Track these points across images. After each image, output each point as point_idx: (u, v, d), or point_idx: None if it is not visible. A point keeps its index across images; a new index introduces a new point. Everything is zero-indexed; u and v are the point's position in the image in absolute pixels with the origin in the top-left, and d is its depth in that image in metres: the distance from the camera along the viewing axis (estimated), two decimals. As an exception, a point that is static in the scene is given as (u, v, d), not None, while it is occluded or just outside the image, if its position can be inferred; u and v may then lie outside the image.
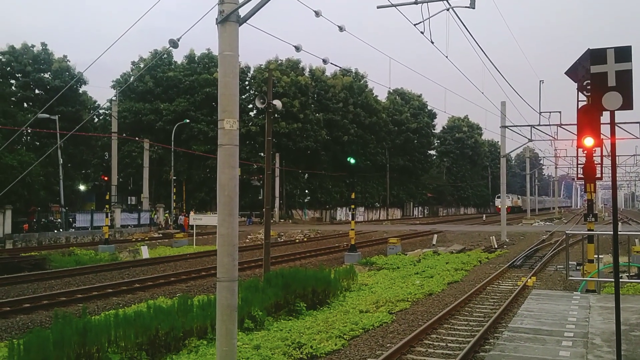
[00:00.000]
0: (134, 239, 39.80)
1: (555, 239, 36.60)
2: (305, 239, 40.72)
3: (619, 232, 7.05)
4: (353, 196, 29.49)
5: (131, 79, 60.13)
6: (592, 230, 15.01)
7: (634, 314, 9.50)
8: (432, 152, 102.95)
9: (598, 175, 14.22)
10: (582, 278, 15.05)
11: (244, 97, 64.46)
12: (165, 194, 58.03)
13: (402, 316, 13.88)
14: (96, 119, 61.25)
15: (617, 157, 7.11)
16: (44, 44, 53.36)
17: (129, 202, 61.00)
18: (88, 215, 43.30)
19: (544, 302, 10.65)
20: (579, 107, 11.82)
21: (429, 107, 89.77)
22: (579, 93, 12.17)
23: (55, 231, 39.34)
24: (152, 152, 56.10)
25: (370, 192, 79.21)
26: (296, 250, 31.09)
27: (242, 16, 7.34)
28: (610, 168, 7.70)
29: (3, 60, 51.50)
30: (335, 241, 37.76)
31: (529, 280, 19.22)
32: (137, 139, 56.21)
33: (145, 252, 28.22)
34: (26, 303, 15.77)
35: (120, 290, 18.11)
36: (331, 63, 19.74)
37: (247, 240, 38.92)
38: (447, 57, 20.56)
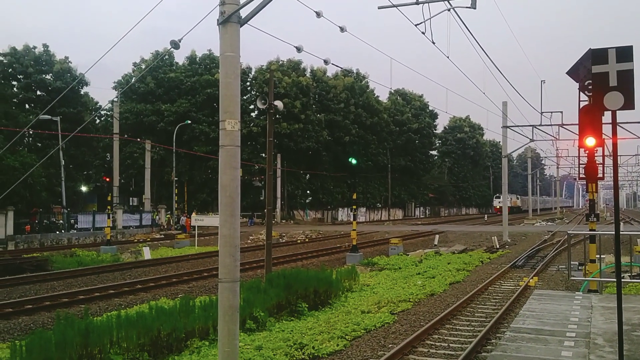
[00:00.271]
0: (135, 240, 39.82)
1: (557, 239, 36.57)
2: (307, 240, 40.72)
3: (621, 232, 7.04)
4: (355, 197, 29.50)
5: (132, 80, 60.20)
6: (594, 230, 14.97)
7: (636, 314, 9.49)
8: (434, 152, 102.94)
9: (600, 175, 14.20)
10: (584, 278, 15.03)
11: (245, 97, 64.50)
12: (167, 195, 58.09)
13: (404, 317, 13.87)
14: (98, 120, 61.30)
15: (618, 157, 7.11)
16: (45, 45, 53.47)
17: (130, 203, 61.10)
18: (90, 217, 43.36)
19: (546, 302, 10.64)
20: (581, 107, 11.81)
21: (430, 108, 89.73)
22: (581, 93, 12.20)
23: (57, 232, 39.38)
24: (153, 153, 56.14)
25: (371, 193, 79.18)
26: (298, 251, 31.09)
27: (243, 17, 7.34)
28: (612, 168, 7.70)
29: (5, 61, 51.59)
30: (336, 242, 37.75)
31: (530, 280, 19.21)
32: (138, 140, 56.27)
33: (147, 253, 28.24)
34: (28, 304, 15.78)
35: (122, 291, 18.13)
36: (332, 64, 19.75)
37: (249, 241, 38.93)
38: (448, 57, 20.55)
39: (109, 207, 34.66)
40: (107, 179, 41.89)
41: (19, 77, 52.20)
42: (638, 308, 9.97)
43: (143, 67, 61.92)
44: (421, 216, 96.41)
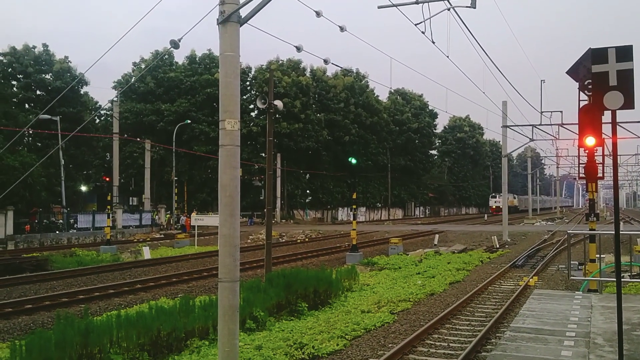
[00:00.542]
0: (135, 240, 39.82)
1: (556, 239, 36.57)
2: (307, 239, 40.72)
3: (620, 232, 7.04)
4: (354, 196, 29.49)
5: (132, 80, 60.22)
6: (594, 230, 14.98)
7: (635, 313, 9.49)
8: (434, 152, 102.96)
9: (600, 175, 14.21)
10: (583, 278, 15.03)
11: (245, 97, 64.52)
12: (167, 195, 58.08)
13: (404, 316, 13.88)
14: (97, 120, 61.33)
15: (618, 157, 7.10)
16: (45, 45, 53.51)
17: (130, 203, 61.08)
18: (89, 216, 43.35)
19: (545, 302, 10.64)
20: (581, 106, 11.81)
21: (430, 107, 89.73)
22: (581, 92, 12.19)
23: (57, 232, 39.37)
24: (153, 152, 56.14)
25: (371, 192, 79.19)
26: (298, 251, 31.08)
27: (243, 16, 7.34)
28: (612, 167, 7.69)
29: (4, 61, 51.61)
30: (336, 241, 37.75)
31: (530, 280, 19.21)
32: (138, 139, 56.27)
33: (146, 253, 28.24)
34: (28, 304, 15.78)
35: (122, 291, 18.13)
36: (332, 63, 19.75)
37: (249, 241, 38.93)
38: (448, 57, 20.56)
39: (108, 207, 34.65)
40: (107, 179, 41.87)
41: (18, 76, 52.22)
42: (638, 308, 9.98)
43: (143, 66, 61.93)
44: (421, 216, 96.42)
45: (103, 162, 61.89)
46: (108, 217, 34.25)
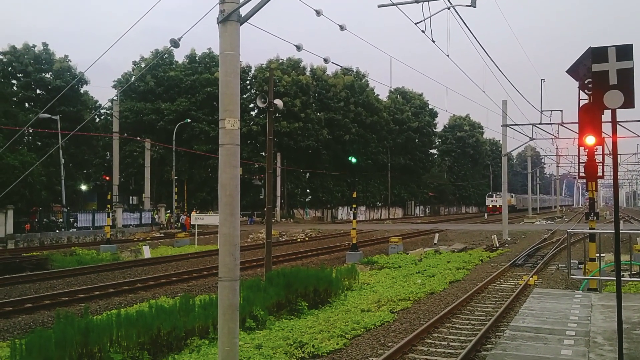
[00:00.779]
0: (135, 239, 39.83)
1: (556, 238, 36.59)
2: (307, 239, 40.73)
3: (620, 231, 7.04)
4: (354, 195, 29.48)
5: (132, 79, 60.18)
6: (594, 229, 14.99)
7: (635, 312, 9.49)
8: (434, 151, 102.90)
9: (600, 174, 14.20)
10: (583, 277, 15.04)
11: (245, 96, 64.47)
12: (167, 194, 58.08)
13: (404, 315, 13.88)
14: (97, 119, 61.33)
15: (618, 156, 7.10)
16: (45, 44, 53.49)
17: (130, 202, 61.09)
18: (90, 215, 43.35)
19: (545, 301, 10.64)
20: (581, 105, 11.82)
21: (430, 106, 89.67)
22: (581, 91, 12.19)
23: (57, 231, 39.38)
24: (153, 151, 56.13)
25: (371, 192, 79.19)
26: (298, 250, 31.10)
27: (243, 15, 7.33)
28: (612, 166, 7.70)
29: (4, 60, 51.60)
30: (336, 240, 37.77)
31: (530, 279, 19.22)
32: (138, 138, 56.27)
33: (146, 252, 28.26)
34: (28, 303, 15.79)
35: (122, 290, 18.14)
36: (332, 62, 19.73)
37: (249, 240, 38.95)
38: (448, 55, 20.55)
39: (108, 206, 34.67)
40: (107, 178, 41.81)
41: (18, 75, 52.23)
42: (638, 307, 9.98)
43: (143, 65, 61.89)
44: (421, 215, 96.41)
45: (103, 161, 61.89)
46: (108, 216, 34.27)
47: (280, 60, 67.87)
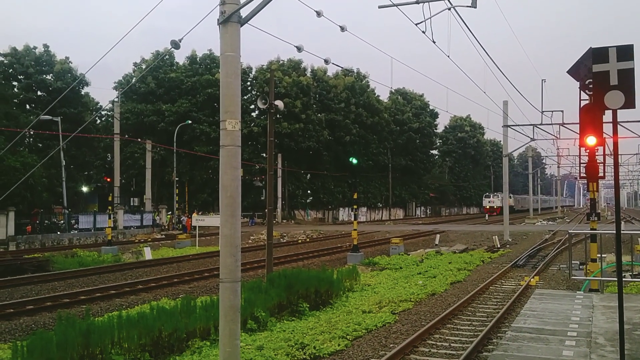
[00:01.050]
0: (136, 240, 39.84)
1: (558, 239, 36.55)
2: (308, 240, 40.71)
3: (621, 231, 7.03)
4: (355, 196, 29.49)
5: (133, 80, 60.23)
6: (595, 230, 14.97)
7: (637, 313, 9.49)
8: (435, 151, 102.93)
9: (601, 175, 14.19)
10: (585, 277, 15.03)
11: (245, 97, 64.51)
12: (168, 195, 58.13)
13: (405, 316, 13.87)
14: (98, 121, 61.39)
15: (619, 156, 7.10)
16: (46, 46, 53.56)
17: (131, 204, 61.12)
18: (91, 217, 43.38)
19: (547, 302, 10.63)
20: (581, 106, 11.81)
21: (430, 107, 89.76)
22: (581, 92, 12.20)
23: (58, 233, 39.40)
24: (154, 153, 56.16)
25: (372, 192, 79.19)
26: (299, 251, 31.09)
27: (243, 17, 7.34)
28: (613, 167, 7.70)
29: (5, 62, 51.66)
30: (337, 241, 37.74)
31: (531, 279, 19.20)
32: (139, 140, 56.31)
33: (148, 253, 28.25)
34: (29, 305, 15.79)
35: (123, 292, 18.14)
36: (333, 63, 19.74)
37: (250, 241, 38.94)
38: (448, 56, 20.55)
39: (109, 208, 34.68)
40: (108, 179, 41.89)
41: (19, 77, 52.28)
42: (639, 307, 9.97)
43: (143, 67, 61.95)
44: (422, 216, 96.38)
45: (104, 162, 61.93)
46: (109, 218, 34.27)
47: (281, 62, 67.93)
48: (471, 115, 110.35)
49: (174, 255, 29.25)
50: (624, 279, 7.50)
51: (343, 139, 69.59)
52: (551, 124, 32.45)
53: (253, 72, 66.99)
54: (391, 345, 11.13)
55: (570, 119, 31.13)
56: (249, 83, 66.38)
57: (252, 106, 65.00)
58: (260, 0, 7.31)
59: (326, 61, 19.06)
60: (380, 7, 16.15)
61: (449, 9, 15.45)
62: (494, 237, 35.98)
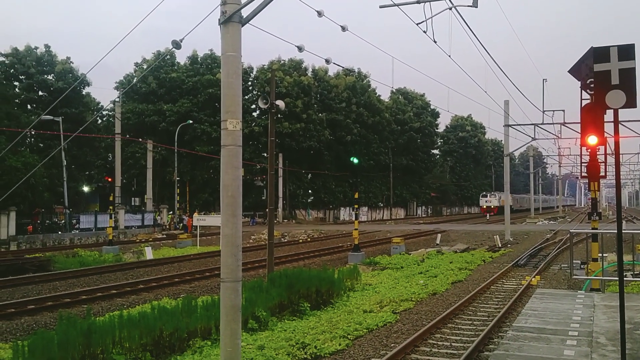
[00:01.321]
0: (137, 240, 39.87)
1: (559, 238, 36.54)
2: (309, 239, 40.72)
3: (623, 231, 7.03)
4: (356, 196, 29.51)
5: (134, 80, 60.26)
6: (596, 229, 14.96)
7: (638, 312, 9.48)
8: (436, 151, 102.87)
9: (602, 174, 14.19)
10: (586, 277, 15.02)
11: (247, 97, 64.52)
12: (169, 195, 58.15)
13: (406, 316, 13.87)
14: (100, 121, 61.44)
15: (620, 156, 7.10)
16: (47, 46, 53.56)
17: (132, 203, 61.17)
18: (92, 217, 43.42)
19: (548, 301, 10.63)
20: (583, 105, 11.81)
21: (432, 107, 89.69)
22: (583, 91, 12.19)
23: (59, 233, 39.45)
24: (155, 153, 56.20)
25: (373, 192, 79.18)
26: (300, 251, 31.10)
27: (244, 17, 7.34)
28: (614, 166, 7.69)
29: (6, 62, 51.69)
30: (338, 241, 37.75)
31: (533, 279, 19.19)
32: (140, 140, 56.35)
33: (149, 253, 28.27)
34: (30, 304, 15.80)
35: (124, 291, 18.15)
36: (334, 63, 19.75)
37: (251, 241, 38.95)
38: (449, 56, 20.56)
39: (111, 207, 34.71)
40: (109, 179, 41.86)
41: (20, 77, 52.31)
42: (641, 307, 9.96)
43: (145, 67, 61.98)
44: (423, 215, 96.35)
45: (105, 162, 61.97)
46: (110, 218, 34.32)
47: (282, 61, 67.93)
48: (472, 114, 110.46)
49: (175, 255, 29.26)
50: (625, 279, 7.50)
51: (344, 139, 69.59)
52: (552, 124, 32.50)
53: (254, 72, 67.01)
54: (392, 344, 11.13)
55: (572, 119, 31.16)
56: (250, 83, 66.40)
57: (253, 106, 64.99)
58: (261, 0, 7.31)
59: (327, 61, 19.06)
60: (381, 6, 16.17)
61: (450, 8, 15.45)
62: (495, 236, 35.97)
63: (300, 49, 14.18)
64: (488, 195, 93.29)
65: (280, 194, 62.77)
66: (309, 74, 69.39)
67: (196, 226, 36.62)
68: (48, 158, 23.80)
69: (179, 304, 12.11)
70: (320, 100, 70.13)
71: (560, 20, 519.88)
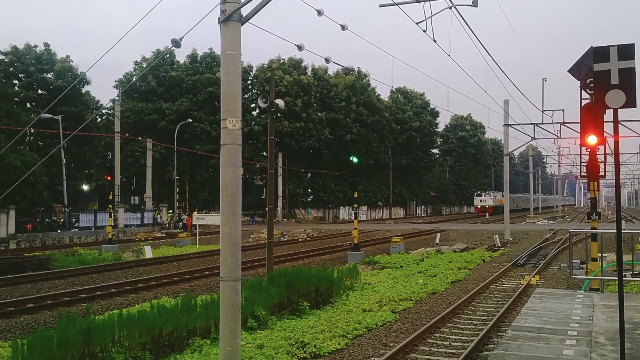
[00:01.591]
0: (137, 239, 39.86)
1: (558, 238, 36.55)
2: (308, 238, 40.73)
3: (622, 231, 7.03)
4: (356, 195, 29.49)
5: (134, 79, 60.21)
6: (596, 229, 14.96)
7: (637, 312, 9.49)
8: (435, 150, 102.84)
9: (601, 174, 14.19)
10: (585, 276, 15.02)
11: (246, 96, 64.51)
12: (168, 194, 58.13)
13: (406, 315, 13.87)
14: (99, 119, 61.39)
15: (620, 155, 7.10)
16: (46, 44, 53.51)
17: (132, 202, 61.12)
18: (91, 215, 43.41)
19: (547, 301, 10.63)
20: (582, 105, 11.81)
21: (431, 106, 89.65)
22: (582, 91, 12.19)
23: (59, 231, 39.43)
24: (155, 151, 56.18)
25: (373, 191, 79.18)
26: (299, 250, 31.10)
27: (244, 15, 7.33)
28: (613, 166, 7.69)
29: (6, 60, 51.63)
30: (338, 240, 37.75)
31: (532, 278, 19.20)
32: (140, 138, 56.31)
33: (148, 252, 28.28)
34: (30, 303, 15.81)
35: (123, 290, 18.15)
36: (333, 62, 19.73)
37: (250, 240, 38.96)
38: (449, 55, 20.54)
39: (110, 206, 34.72)
40: (109, 178, 41.84)
41: (20, 76, 52.27)
42: (639, 306, 9.97)
43: (144, 65, 61.91)
44: (422, 215, 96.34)
45: (105, 161, 61.94)
46: (110, 216, 34.32)
47: (282, 60, 67.88)
48: (472, 114, 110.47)
49: (174, 254, 29.27)
50: (624, 278, 7.51)
51: (344, 138, 69.57)
52: (552, 123, 32.47)
53: (254, 71, 66.96)
54: (391, 344, 11.13)
55: (571, 118, 31.17)
56: (249, 82, 66.36)
57: (253, 105, 64.97)
58: (261, -1, 7.30)
59: (327, 60, 19.05)
60: (381, 6, 16.16)
61: (450, 8, 15.44)
62: (494, 236, 35.99)
63: (300, 48, 14.18)
64: (483, 194, 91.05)
65: (280, 193, 62.76)
66: (309, 73, 69.36)
67: (196, 225, 36.61)
68: (47, 156, 23.76)
69: (178, 303, 12.11)
70: (320, 100, 70.11)
71: (560, 20, 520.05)
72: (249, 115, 64.00)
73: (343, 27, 15.19)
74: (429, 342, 11.40)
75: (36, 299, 16.35)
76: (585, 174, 13.47)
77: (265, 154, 58.63)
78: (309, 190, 71.22)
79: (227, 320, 7.21)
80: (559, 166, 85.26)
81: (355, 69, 75.49)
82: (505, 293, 17.08)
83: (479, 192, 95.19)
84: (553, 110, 34.18)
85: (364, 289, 17.45)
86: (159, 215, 51.76)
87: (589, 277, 14.34)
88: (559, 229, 43.85)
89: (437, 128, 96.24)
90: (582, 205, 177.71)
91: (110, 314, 12.26)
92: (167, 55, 61.89)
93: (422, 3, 15.44)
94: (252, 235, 41.29)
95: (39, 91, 53.19)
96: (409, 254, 27.67)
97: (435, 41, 16.94)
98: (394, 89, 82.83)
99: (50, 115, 40.75)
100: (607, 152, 17.97)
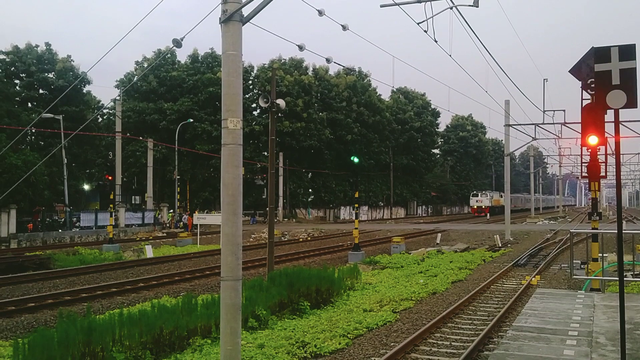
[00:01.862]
0: (138, 238, 39.88)
1: (559, 238, 36.53)
2: (309, 238, 40.73)
3: (623, 231, 7.03)
4: (357, 195, 29.49)
5: (135, 79, 60.24)
6: (597, 229, 14.95)
7: (638, 312, 9.48)
8: (436, 150, 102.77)
9: (602, 174, 14.17)
10: (586, 277, 15.02)
11: (247, 96, 64.51)
12: (169, 194, 58.17)
13: (406, 315, 13.87)
14: (100, 119, 61.39)
15: (621, 156, 7.10)
16: (47, 44, 53.52)
17: (133, 202, 61.11)
18: (92, 215, 43.42)
19: (548, 301, 10.63)
20: (583, 105, 11.81)
21: (432, 106, 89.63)
22: (583, 91, 12.18)
23: (60, 231, 39.45)
24: (156, 151, 56.20)
25: (373, 191, 79.17)
26: (300, 249, 31.10)
27: (245, 15, 7.33)
28: (614, 166, 7.69)
29: (7, 60, 51.67)
30: (338, 240, 37.75)
31: (533, 279, 19.20)
32: (141, 138, 56.33)
33: (149, 252, 28.29)
34: (31, 302, 15.83)
35: (124, 290, 18.17)
36: (334, 62, 19.75)
37: (251, 240, 38.97)
38: (450, 55, 20.53)
39: (111, 206, 34.72)
40: (110, 178, 41.82)
41: (21, 75, 52.30)
42: (640, 307, 9.96)
43: (145, 65, 61.93)
44: (423, 215, 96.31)
45: (106, 160, 61.84)
46: (111, 216, 34.34)
47: (283, 60, 67.89)
48: (473, 114, 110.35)
49: (175, 254, 29.28)
50: (625, 279, 7.50)
51: (344, 138, 69.56)
52: (553, 124, 32.49)
53: (255, 71, 66.96)
54: (392, 343, 11.13)
55: (572, 119, 31.15)
56: (250, 82, 66.37)
57: (254, 105, 64.93)
58: (262, -1, 7.30)
59: (328, 60, 19.06)
60: (382, 6, 16.16)
61: (451, 8, 15.44)
62: (495, 236, 35.97)
63: (301, 48, 14.19)
64: (479, 194, 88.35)
65: (281, 193, 62.76)
66: (310, 73, 69.36)
67: (196, 225, 36.64)
68: (48, 156, 23.81)
69: (179, 303, 12.12)
70: (321, 100, 70.10)
71: (561, 19, 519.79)
72: (250, 115, 64.01)
73: (344, 27, 15.19)
74: (429, 342, 11.40)
75: (37, 299, 16.36)
76: (586, 175, 13.45)
77: (266, 153, 58.64)
78: (310, 190, 71.22)
79: (227, 319, 7.21)
80: (560, 166, 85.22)
81: (356, 69, 75.52)
82: (506, 293, 17.07)
83: (475, 192, 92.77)
84: (554, 111, 34.06)
85: (364, 289, 17.45)
86: (159, 215, 51.78)
87: (589, 277, 14.34)
88: (560, 229, 43.82)
89: (438, 128, 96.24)
90: (583, 205, 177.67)
91: (111, 313, 12.26)
92: (168, 55, 61.92)
93: (423, 3, 15.45)
94: (252, 235, 41.30)
95: (40, 91, 53.20)
96: (410, 254, 27.67)
97: (436, 41, 16.94)
98: (394, 89, 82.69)
99: (51, 115, 40.76)
100: (608, 152, 17.98)
